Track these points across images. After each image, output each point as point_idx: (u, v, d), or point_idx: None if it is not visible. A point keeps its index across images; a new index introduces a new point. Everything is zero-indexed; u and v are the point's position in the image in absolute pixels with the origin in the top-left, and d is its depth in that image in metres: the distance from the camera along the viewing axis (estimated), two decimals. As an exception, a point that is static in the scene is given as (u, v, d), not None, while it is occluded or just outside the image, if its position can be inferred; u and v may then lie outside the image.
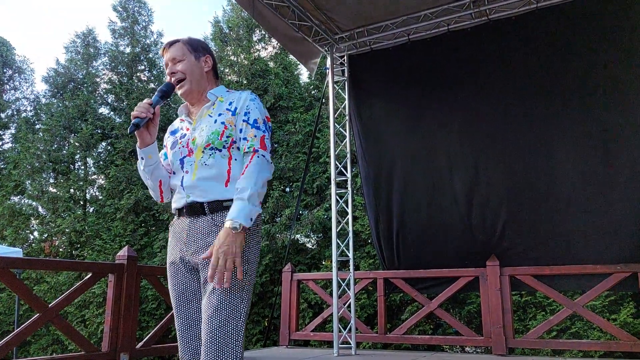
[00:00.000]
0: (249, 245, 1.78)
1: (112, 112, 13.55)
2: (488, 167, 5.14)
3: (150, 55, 14.03)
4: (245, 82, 12.33)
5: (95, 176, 13.15)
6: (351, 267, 5.45)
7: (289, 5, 5.10)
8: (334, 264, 5.30)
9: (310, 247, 11.08)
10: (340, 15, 5.47)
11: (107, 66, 13.80)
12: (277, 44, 12.84)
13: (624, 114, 4.58)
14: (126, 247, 4.52)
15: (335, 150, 5.61)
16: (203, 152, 1.83)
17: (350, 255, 5.48)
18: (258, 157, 1.80)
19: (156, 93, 1.87)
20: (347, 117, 5.81)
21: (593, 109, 4.71)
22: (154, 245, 11.12)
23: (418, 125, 5.46)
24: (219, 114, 1.88)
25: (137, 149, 1.90)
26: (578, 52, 4.81)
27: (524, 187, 4.98)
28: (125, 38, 13.91)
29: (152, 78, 13.96)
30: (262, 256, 10.16)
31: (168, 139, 2.00)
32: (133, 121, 1.77)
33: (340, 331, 5.26)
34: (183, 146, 1.89)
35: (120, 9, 13.94)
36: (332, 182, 5.56)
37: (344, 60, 5.92)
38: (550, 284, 4.88)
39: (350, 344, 5.25)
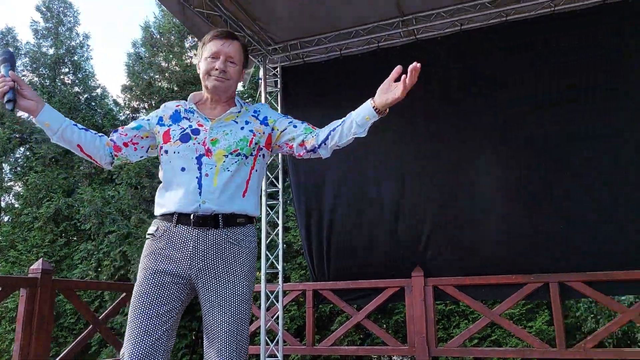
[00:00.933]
0: (253, 263, 1.79)
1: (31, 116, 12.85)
2: (415, 179, 5.30)
3: (75, 58, 13.44)
4: (176, 88, 12.07)
5: (11, 183, 12.37)
6: (280, 280, 5.44)
7: (221, 14, 5.05)
8: (263, 277, 5.27)
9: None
10: (274, 27, 5.48)
11: (28, 67, 13.07)
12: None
13: (541, 127, 4.86)
14: (41, 259, 4.26)
15: (266, 161, 5.59)
16: (226, 156, 1.77)
17: (280, 267, 5.46)
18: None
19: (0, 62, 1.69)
20: (278, 129, 5.81)
21: (512, 123, 4.97)
22: (74, 257, 10.59)
23: (348, 138, 5.57)
24: (246, 122, 1.86)
25: (36, 121, 1.77)
26: (498, 70, 5.08)
27: (448, 199, 5.17)
28: (49, 39, 13.25)
29: (77, 81, 13.37)
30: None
31: (169, 125, 1.85)
32: (4, 100, 1.65)
33: (267, 344, 5.21)
34: (199, 143, 1.78)
35: (44, 9, 13.27)
36: (264, 192, 5.53)
37: (277, 71, 5.94)
38: (471, 293, 5.08)
39: (277, 356, 5.22)
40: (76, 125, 1.81)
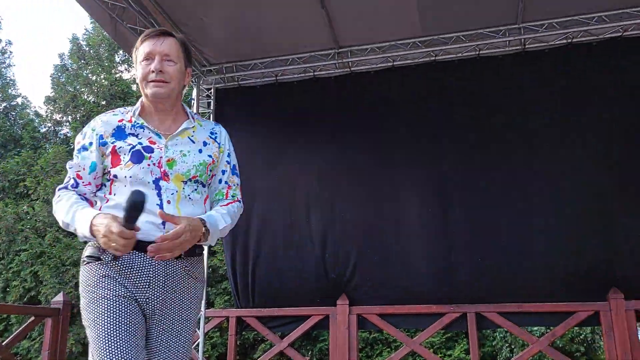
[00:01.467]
0: (202, 295, 1.72)
1: None
2: (343, 208, 5.36)
3: (-5, 63, 12.69)
4: (103, 102, 11.65)
5: None
6: (202, 305, 5.28)
7: (155, 31, 4.96)
8: (185, 301, 5.10)
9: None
10: (210, 48, 5.45)
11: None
12: (142, 67, 12.38)
13: (459, 163, 5.09)
14: (62, 292, 4.62)
15: (194, 183, 5.48)
16: (185, 182, 1.61)
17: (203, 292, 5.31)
18: (240, 204, 1.78)
19: (128, 212, 1.43)
20: (209, 151, 5.73)
21: (433, 158, 5.18)
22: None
23: (279, 163, 5.55)
24: (204, 143, 1.69)
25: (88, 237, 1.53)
26: (427, 107, 5.31)
27: (374, 229, 5.27)
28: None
29: (-5, 88, 12.62)
30: (107, 290, 9.45)
31: (113, 143, 1.61)
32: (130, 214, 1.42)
33: (186, 372, 5.01)
34: (154, 164, 1.58)
35: (-38, 9, 12.49)
36: (189, 215, 5.39)
37: (210, 92, 5.88)
38: (393, 322, 5.15)
39: (196, 385, 5.03)
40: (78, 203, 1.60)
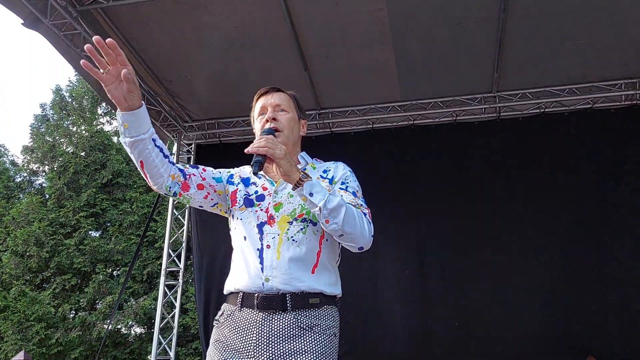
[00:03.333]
0: (333, 353, 1.49)
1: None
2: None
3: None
4: (82, 153, 11.57)
5: None
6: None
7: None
8: (153, 363, 4.90)
9: (132, 339, 10.15)
10: (192, 105, 5.50)
11: None
12: (124, 120, 12.42)
13: (438, 223, 5.12)
14: (22, 351, 4.33)
15: (170, 237, 5.38)
16: (290, 223, 1.54)
17: (172, 353, 5.10)
18: (365, 215, 1.56)
19: (263, 132, 1.62)
20: (187, 205, 5.68)
21: (412, 218, 5.20)
22: None
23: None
24: None
25: (118, 114, 1.49)
26: (405, 169, 5.38)
27: (352, 288, 5.18)
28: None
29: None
30: (72, 348, 9.02)
31: (239, 185, 1.70)
32: (256, 159, 1.49)
33: None
34: (262, 210, 1.58)
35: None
36: (163, 271, 5.27)
37: (191, 148, 5.89)
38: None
39: None
40: (155, 141, 1.54)
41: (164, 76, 5.05)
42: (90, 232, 10.76)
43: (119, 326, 9.92)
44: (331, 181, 1.69)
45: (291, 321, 1.46)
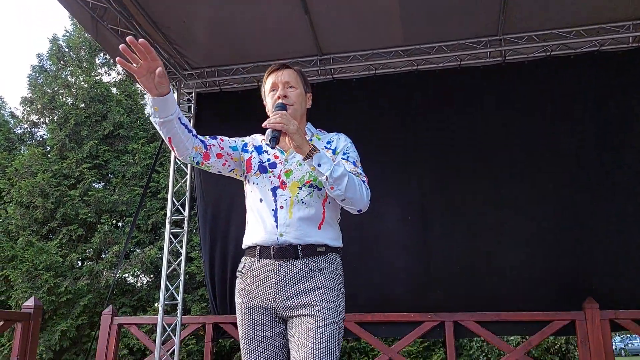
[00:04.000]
0: (340, 289, 1.82)
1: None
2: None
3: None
4: (82, 105, 11.48)
5: None
6: (179, 312, 5.20)
7: (135, 33, 4.90)
8: (161, 308, 5.02)
9: (139, 287, 10.39)
10: (191, 52, 5.40)
11: None
12: (122, 70, 12.26)
13: (441, 170, 5.12)
14: (33, 297, 4.53)
15: (174, 187, 5.41)
16: (300, 188, 1.80)
17: (180, 298, 5.23)
18: (362, 181, 1.79)
19: (276, 108, 1.81)
20: (189, 155, 5.67)
21: (415, 166, 5.20)
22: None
23: (260, 169, 5.51)
24: None
25: (148, 98, 1.72)
26: (409, 116, 5.34)
27: (354, 237, 5.24)
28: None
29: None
30: (81, 296, 9.25)
31: (252, 152, 1.95)
32: (273, 134, 1.69)
33: (160, 380, 4.93)
34: (275, 176, 1.84)
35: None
36: (168, 220, 5.32)
37: (191, 97, 5.83)
38: (371, 330, 5.13)
39: (170, 394, 4.94)
40: (180, 119, 1.78)
41: (162, 22, 4.93)
42: (93, 184, 10.82)
43: (126, 275, 10.13)
44: (334, 151, 1.91)
45: (303, 266, 1.74)
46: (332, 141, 1.95)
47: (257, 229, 1.82)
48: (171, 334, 5.16)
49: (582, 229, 4.82)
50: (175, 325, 5.17)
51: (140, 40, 1.61)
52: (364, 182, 1.81)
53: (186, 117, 5.73)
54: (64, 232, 9.91)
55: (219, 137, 1.97)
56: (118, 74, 12.53)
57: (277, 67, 1.95)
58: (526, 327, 4.92)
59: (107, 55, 12.04)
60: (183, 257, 5.34)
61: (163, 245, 5.45)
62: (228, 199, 5.66)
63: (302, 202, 1.79)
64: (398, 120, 5.34)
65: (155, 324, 5.08)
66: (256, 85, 5.67)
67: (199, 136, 1.88)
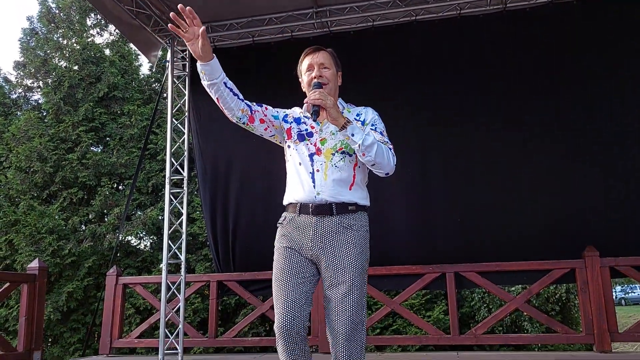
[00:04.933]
0: (365, 244, 2.08)
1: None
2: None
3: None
4: (76, 67, 11.27)
5: None
6: (182, 270, 5.25)
7: (126, -12, 4.76)
8: (164, 267, 5.06)
9: (143, 249, 10.48)
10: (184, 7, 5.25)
11: None
12: (114, 30, 11.99)
13: (441, 123, 5.07)
14: (37, 259, 4.70)
15: (172, 147, 5.36)
16: (333, 154, 2.07)
17: (183, 257, 5.27)
18: (388, 148, 2.06)
19: (314, 86, 2.08)
20: (185, 114, 5.60)
21: (414, 119, 5.15)
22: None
23: (258, 127, 5.44)
24: None
25: (198, 64, 2.03)
26: (408, 69, 5.25)
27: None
28: None
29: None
30: (85, 258, 9.33)
31: (292, 123, 2.20)
32: (314, 109, 1.98)
33: (167, 337, 5.02)
34: (312, 144, 2.11)
35: None
36: (167, 180, 5.31)
37: (185, 55, 5.71)
38: (373, 284, 5.19)
39: (177, 349, 5.04)
40: (226, 83, 2.08)
41: (151, -24, 4.78)
42: (91, 147, 10.74)
43: (129, 237, 10.19)
44: (363, 123, 2.17)
45: (336, 222, 2.03)
46: (361, 114, 2.21)
47: (297, 188, 2.09)
48: (176, 292, 5.23)
49: (583, 178, 4.80)
50: (180, 283, 5.22)
51: (188, 8, 1.91)
52: (390, 149, 2.07)
53: (181, 75, 5.68)
54: (64, 196, 9.90)
55: (263, 105, 2.23)
56: (110, 34, 12.26)
57: (313, 50, 2.20)
58: (527, 276, 4.98)
59: (99, 16, 11.76)
60: (184, 216, 5.35)
61: (164, 206, 5.45)
62: (227, 158, 5.63)
63: (335, 166, 2.05)
64: (397, 71, 5.25)
65: (160, 284, 5.14)
66: (251, 41, 5.55)
67: (245, 101, 2.15)
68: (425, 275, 5.04)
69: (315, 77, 2.14)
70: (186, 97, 5.61)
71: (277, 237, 2.14)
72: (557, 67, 4.91)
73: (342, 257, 2.00)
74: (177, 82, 5.65)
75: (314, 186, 2.04)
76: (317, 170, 2.06)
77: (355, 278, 1.99)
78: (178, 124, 5.60)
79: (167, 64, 5.67)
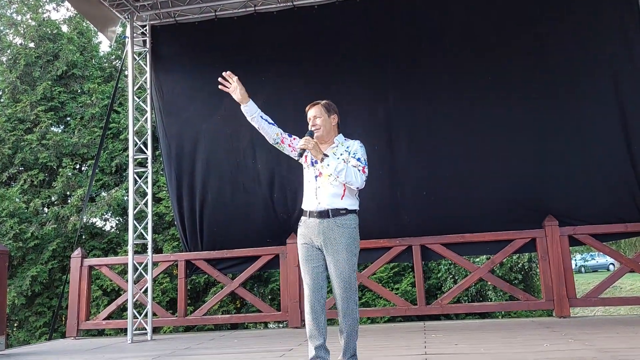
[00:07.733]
0: (353, 237, 2.81)
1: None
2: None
3: None
4: (32, 44, 10.85)
5: None
6: (149, 250, 5.19)
7: (80, -40, 4.57)
8: (130, 248, 4.99)
9: (108, 230, 10.29)
10: (142, -20, 5.09)
11: None
12: (71, 6, 11.54)
13: (406, 97, 5.09)
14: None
15: (134, 126, 5.24)
16: (329, 176, 2.84)
17: (149, 237, 5.20)
18: (359, 171, 2.84)
19: (308, 133, 2.89)
20: (147, 91, 5.47)
21: (380, 94, 5.16)
22: None
23: (222, 103, 5.35)
24: (341, 154, 2.89)
25: (242, 106, 2.96)
26: (371, 42, 5.23)
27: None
28: None
29: None
30: (48, 241, 9.13)
31: (308, 153, 2.91)
32: (299, 151, 2.87)
33: (135, 317, 4.98)
34: (317, 169, 2.88)
35: None
36: (130, 159, 5.20)
37: (145, 30, 5.54)
38: (342, 258, 5.25)
39: (146, 329, 5.01)
40: (262, 116, 2.98)
41: (106, -53, 4.60)
42: (51, 127, 10.42)
43: (95, 219, 9.99)
44: (349, 154, 2.91)
45: (332, 222, 2.81)
46: (350, 146, 2.95)
47: (307, 199, 2.90)
48: (143, 272, 5.17)
49: (543, 150, 4.92)
50: (147, 264, 5.17)
51: (228, 72, 2.97)
52: (359, 171, 2.85)
53: (142, 52, 5.53)
54: (24, 178, 9.61)
55: (292, 135, 3.02)
56: (67, 10, 11.82)
57: (310, 106, 3.00)
58: (490, 247, 5.11)
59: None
60: (150, 196, 5.26)
61: (128, 186, 5.35)
62: (192, 136, 5.55)
63: (331, 184, 2.84)
64: (360, 45, 5.25)
65: (127, 265, 5.07)
66: (214, 15, 5.43)
67: (279, 129, 3.01)
68: (392, 248, 5.12)
69: (312, 125, 2.95)
70: (148, 74, 5.47)
71: (298, 235, 2.92)
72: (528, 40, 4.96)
73: (336, 246, 2.78)
74: (137, 59, 5.50)
75: (317, 198, 2.85)
76: (319, 187, 2.87)
77: (345, 259, 2.78)
78: (140, 102, 5.47)
79: (127, 39, 5.51)
